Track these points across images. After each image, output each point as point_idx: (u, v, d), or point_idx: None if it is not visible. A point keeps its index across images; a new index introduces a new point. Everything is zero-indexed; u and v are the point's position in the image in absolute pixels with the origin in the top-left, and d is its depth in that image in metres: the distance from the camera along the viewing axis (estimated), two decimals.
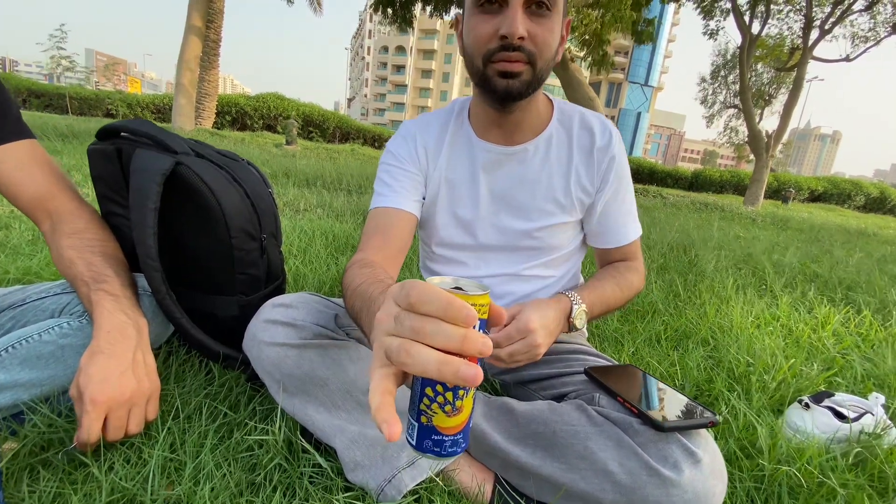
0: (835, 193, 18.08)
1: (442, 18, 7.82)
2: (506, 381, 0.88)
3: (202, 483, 0.62)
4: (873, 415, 0.89)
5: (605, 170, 0.81)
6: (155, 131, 0.82)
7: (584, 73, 8.10)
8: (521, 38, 0.65)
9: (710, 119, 18.60)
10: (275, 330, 0.68)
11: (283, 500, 0.64)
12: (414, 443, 0.36)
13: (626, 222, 0.85)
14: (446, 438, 0.35)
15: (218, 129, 12.95)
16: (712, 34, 10.55)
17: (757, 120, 9.72)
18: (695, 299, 1.80)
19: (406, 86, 67.22)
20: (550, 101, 0.83)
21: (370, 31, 70.02)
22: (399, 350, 0.31)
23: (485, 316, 0.36)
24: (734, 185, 17.60)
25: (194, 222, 0.81)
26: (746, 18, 9.21)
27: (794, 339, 1.44)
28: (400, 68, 67.74)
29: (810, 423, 0.88)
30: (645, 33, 7.62)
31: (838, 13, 8.85)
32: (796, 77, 9.24)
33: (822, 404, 0.91)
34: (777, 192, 15.68)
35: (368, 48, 71.51)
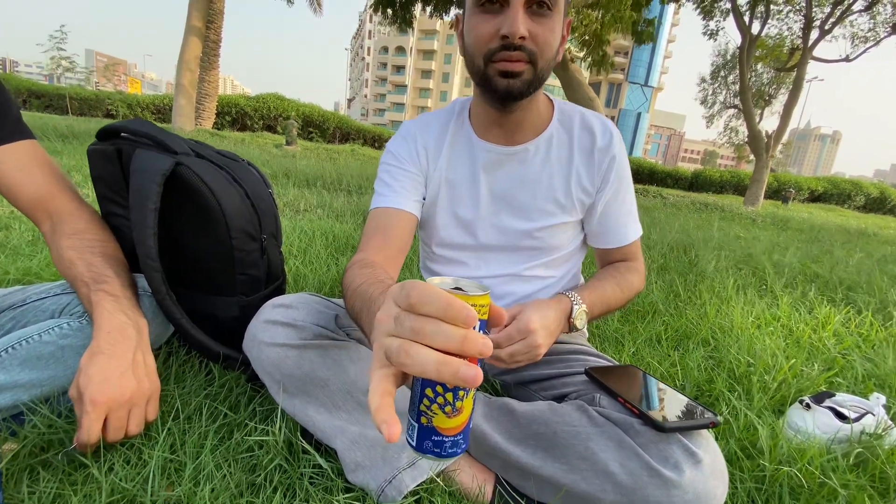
0: (835, 194, 18.07)
1: (442, 19, 7.82)
2: (506, 381, 0.88)
3: (202, 484, 0.62)
4: (874, 415, 0.89)
5: (605, 170, 0.80)
6: (155, 132, 0.81)
7: (583, 73, 8.10)
8: (523, 37, 0.65)
9: (710, 119, 18.61)
10: (275, 330, 0.67)
11: (284, 500, 0.64)
12: (414, 444, 0.36)
13: (626, 222, 0.85)
14: (446, 439, 0.35)
15: (218, 129, 12.95)
16: (712, 35, 10.55)
17: (757, 120, 9.73)
18: (695, 300, 1.80)
19: (406, 86, 67.26)
20: (551, 101, 0.83)
21: (370, 32, 70.06)
22: (399, 351, 0.31)
23: (485, 316, 0.36)
24: (734, 185, 17.60)
25: (194, 223, 0.81)
26: (746, 19, 9.21)
27: (794, 340, 1.44)
28: (400, 69, 67.78)
29: (811, 424, 0.88)
30: (645, 33, 7.62)
31: (838, 13, 8.85)
32: (796, 77, 9.24)
33: (822, 405, 0.91)
34: (777, 193, 15.68)
35: (368, 49, 71.54)
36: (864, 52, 9.64)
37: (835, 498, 0.72)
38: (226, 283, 0.85)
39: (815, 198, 17.95)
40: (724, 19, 10.28)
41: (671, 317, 1.56)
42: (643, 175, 18.03)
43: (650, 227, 3.76)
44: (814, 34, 9.08)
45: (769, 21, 9.62)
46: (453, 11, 7.46)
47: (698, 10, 10.02)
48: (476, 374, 0.29)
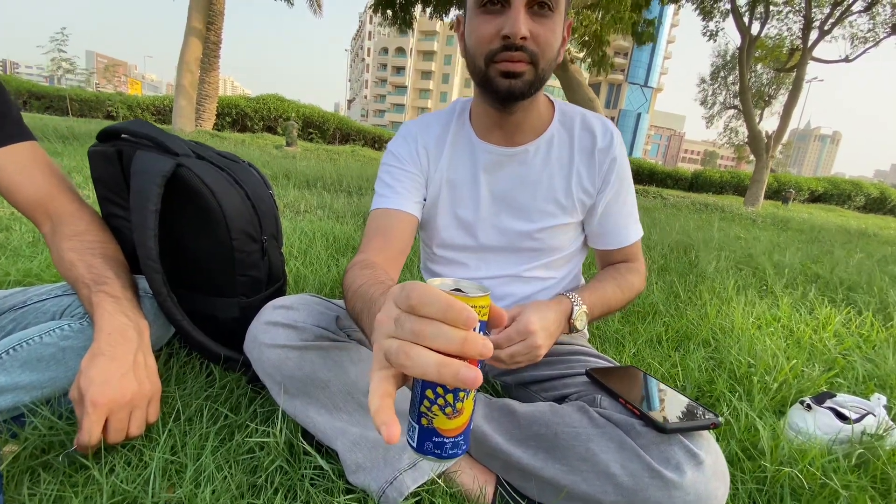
0: (835, 194, 18.07)
1: (442, 20, 7.82)
2: (507, 382, 0.88)
3: (203, 485, 0.62)
4: (875, 416, 0.89)
5: (606, 171, 0.80)
6: (155, 133, 0.82)
7: (583, 74, 8.11)
8: (524, 38, 0.65)
9: (709, 120, 18.61)
10: (276, 332, 0.67)
11: (285, 502, 0.63)
12: (415, 445, 0.36)
13: (626, 223, 0.85)
14: (447, 440, 0.35)
15: (218, 130, 12.96)
16: (712, 35, 10.55)
17: (757, 120, 9.73)
18: (696, 300, 1.80)
19: (406, 87, 67.31)
20: (551, 102, 0.83)
21: (370, 33, 70.12)
22: (398, 352, 0.31)
23: (485, 318, 0.36)
24: (734, 185, 17.59)
25: (195, 224, 0.81)
26: (746, 19, 9.22)
27: (795, 340, 1.44)
28: (400, 70, 67.84)
29: (812, 425, 0.88)
30: (645, 34, 7.62)
31: (837, 14, 8.86)
32: (796, 78, 9.24)
33: (823, 405, 0.91)
34: (777, 193, 15.67)
35: (368, 50, 71.60)
36: (863, 52, 9.65)
37: (836, 499, 0.72)
38: (226, 285, 0.85)
39: (815, 198, 17.94)
40: (724, 20, 10.29)
41: (672, 317, 1.56)
42: (643, 176, 18.03)
43: (650, 227, 3.76)
44: (813, 35, 9.08)
45: (769, 22, 9.63)
46: (453, 12, 7.46)
47: (698, 11, 10.02)
48: (476, 375, 0.29)
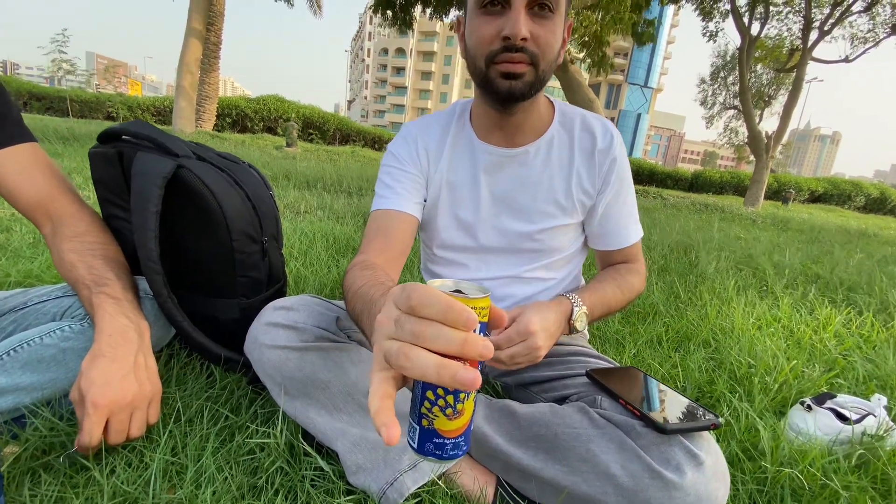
0: (835, 194, 18.06)
1: (441, 20, 7.83)
2: (507, 383, 0.88)
3: (204, 487, 0.62)
4: (875, 416, 0.89)
5: (606, 172, 0.81)
6: (156, 134, 0.82)
7: (583, 74, 8.11)
8: (524, 39, 0.65)
9: (709, 120, 18.61)
10: (276, 333, 0.68)
11: (285, 503, 0.63)
12: (415, 446, 0.36)
13: (627, 224, 0.85)
14: (448, 441, 0.35)
15: (218, 131, 12.97)
16: (711, 36, 10.56)
17: (757, 121, 9.73)
18: (696, 301, 1.80)
19: (406, 88, 67.35)
20: (551, 103, 0.83)
21: (370, 34, 70.17)
22: (398, 354, 0.31)
23: (485, 319, 0.36)
24: (734, 185, 17.60)
25: (196, 225, 0.81)
26: (745, 20, 9.22)
27: (795, 341, 1.44)
28: (400, 70, 67.87)
29: (812, 425, 0.88)
30: (645, 34, 7.62)
31: (837, 14, 8.86)
32: (796, 78, 9.24)
33: (824, 406, 0.91)
34: (777, 193, 15.67)
35: (368, 50, 71.65)
36: (863, 52, 9.65)
37: (836, 500, 0.72)
38: (227, 286, 0.85)
39: (815, 198, 17.94)
40: (724, 20, 10.29)
41: (672, 318, 1.56)
42: (643, 176, 18.03)
43: (650, 228, 3.76)
44: (813, 35, 9.09)
45: (768, 22, 9.64)
46: (453, 13, 7.47)
47: (697, 12, 10.03)
48: (475, 377, 0.30)
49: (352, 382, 0.67)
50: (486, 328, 0.37)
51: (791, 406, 1.00)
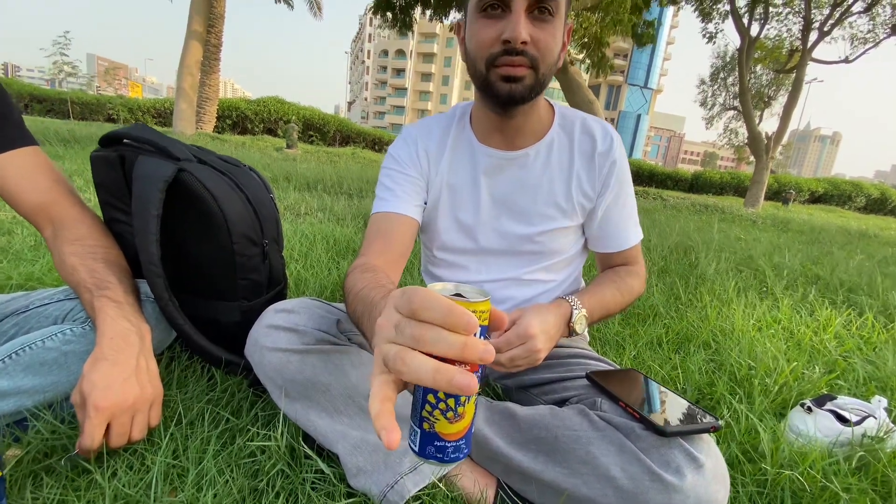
0: (835, 195, 18.07)
1: (441, 22, 7.84)
2: (507, 385, 0.88)
3: (205, 489, 0.63)
4: (876, 418, 0.89)
5: (606, 174, 0.81)
6: (157, 138, 0.82)
7: (583, 75, 8.12)
8: (524, 42, 0.65)
9: (709, 121, 18.62)
10: (277, 335, 0.68)
11: None
12: (416, 449, 0.36)
13: (626, 227, 0.86)
14: (449, 444, 0.36)
15: (219, 133, 12.99)
16: (711, 37, 10.57)
17: (756, 122, 9.75)
18: (696, 302, 1.80)
19: (406, 89, 67.42)
20: (552, 106, 0.83)
21: (370, 35, 70.28)
22: (395, 358, 0.31)
23: (485, 322, 0.37)
24: (734, 186, 17.60)
25: (197, 229, 0.81)
26: (745, 21, 9.23)
27: (795, 342, 1.44)
28: (400, 72, 67.95)
29: (813, 427, 0.88)
30: (645, 35, 7.63)
31: (837, 15, 8.87)
32: (795, 79, 9.25)
33: (824, 408, 0.91)
34: (777, 194, 15.67)
35: (368, 52, 71.75)
36: (863, 53, 9.66)
37: (836, 502, 0.72)
38: (227, 289, 0.86)
39: (815, 199, 17.94)
40: (723, 21, 10.30)
41: (672, 320, 1.56)
42: (643, 177, 18.04)
43: (650, 229, 3.76)
44: (813, 36, 9.10)
45: (768, 23, 9.65)
46: (453, 14, 7.48)
47: (697, 13, 10.04)
48: (471, 381, 0.30)
49: (352, 385, 0.67)
50: (487, 331, 0.37)
51: (791, 408, 1.00)
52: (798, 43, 9.85)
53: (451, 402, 0.34)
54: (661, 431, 0.58)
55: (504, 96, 0.69)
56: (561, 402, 0.74)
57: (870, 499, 0.74)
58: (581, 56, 7.91)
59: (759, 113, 14.49)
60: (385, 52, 67.94)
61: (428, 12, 7.61)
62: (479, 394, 0.36)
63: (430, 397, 0.34)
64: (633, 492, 0.57)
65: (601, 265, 0.92)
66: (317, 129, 16.58)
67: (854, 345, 1.45)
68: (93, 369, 0.62)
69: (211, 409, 0.79)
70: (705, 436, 0.61)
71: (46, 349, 0.67)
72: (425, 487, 0.65)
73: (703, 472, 0.56)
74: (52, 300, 0.79)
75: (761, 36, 9.72)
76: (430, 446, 0.36)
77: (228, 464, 0.68)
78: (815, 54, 9.34)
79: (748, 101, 9.45)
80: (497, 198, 0.83)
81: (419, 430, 0.36)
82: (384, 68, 69.04)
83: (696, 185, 18.25)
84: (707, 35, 10.58)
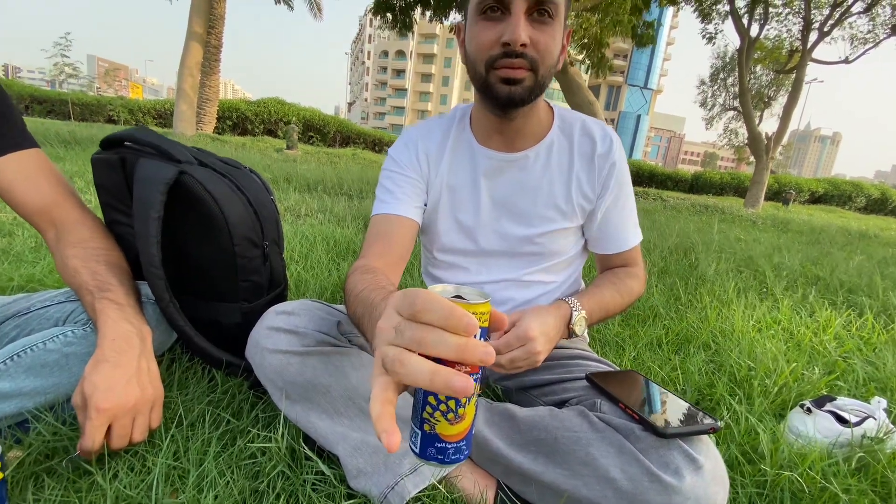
0: (836, 195, 18.07)
1: (441, 23, 7.85)
2: (508, 386, 0.88)
3: (206, 491, 0.63)
4: (875, 419, 0.89)
5: (605, 176, 0.81)
6: (158, 140, 0.82)
7: (583, 76, 8.12)
8: (524, 44, 0.65)
9: (709, 121, 18.64)
10: (277, 337, 0.68)
11: None
12: (417, 451, 0.36)
13: (626, 228, 0.86)
14: (449, 446, 0.36)
15: (219, 134, 13.00)
16: (710, 38, 10.57)
17: (756, 122, 9.76)
18: (696, 303, 1.80)
19: (406, 90, 67.47)
20: (551, 108, 0.83)
21: (370, 36, 70.35)
22: (394, 361, 0.32)
23: (486, 324, 0.37)
24: (734, 187, 17.62)
25: (198, 231, 0.81)
26: (745, 21, 9.24)
27: (795, 343, 1.44)
28: (400, 72, 68.01)
29: (812, 428, 0.88)
30: (645, 36, 7.64)
31: (837, 15, 8.88)
32: (795, 79, 9.26)
33: (823, 409, 0.91)
34: (777, 194, 15.68)
35: (368, 53, 71.81)
36: (863, 53, 9.67)
37: (836, 503, 0.73)
38: (228, 290, 0.86)
39: (815, 199, 17.95)
40: (723, 22, 10.31)
41: (672, 320, 1.57)
42: (643, 177, 18.05)
43: (650, 230, 3.76)
44: (813, 36, 9.11)
45: (768, 23, 9.66)
46: (453, 15, 7.49)
47: (697, 13, 10.05)
48: (467, 383, 0.30)
49: (353, 387, 0.67)
50: (487, 333, 0.37)
51: (791, 409, 1.00)
52: (798, 43, 9.86)
53: (451, 403, 0.34)
54: (660, 433, 0.58)
55: (504, 98, 0.70)
56: (561, 404, 0.75)
57: (869, 500, 0.74)
58: (581, 57, 7.92)
59: (759, 113, 14.50)
60: (385, 53, 68.00)
61: (428, 13, 7.62)
62: (479, 395, 0.36)
63: (431, 399, 0.35)
64: (633, 493, 0.57)
65: (601, 266, 0.93)
66: (317, 130, 16.60)
67: (854, 345, 1.45)
68: (94, 371, 0.62)
69: (212, 411, 0.79)
70: (704, 437, 0.61)
71: (48, 351, 0.67)
72: (425, 489, 0.65)
73: (702, 474, 0.57)
74: (54, 302, 0.79)
75: (761, 36, 9.73)
76: (430, 447, 0.36)
77: (229, 465, 0.69)
78: (815, 55, 9.35)
79: (748, 102, 9.45)
80: (497, 199, 0.83)
81: (420, 432, 0.36)
82: (384, 69, 69.10)
83: (696, 185, 18.26)
84: (707, 36, 10.58)
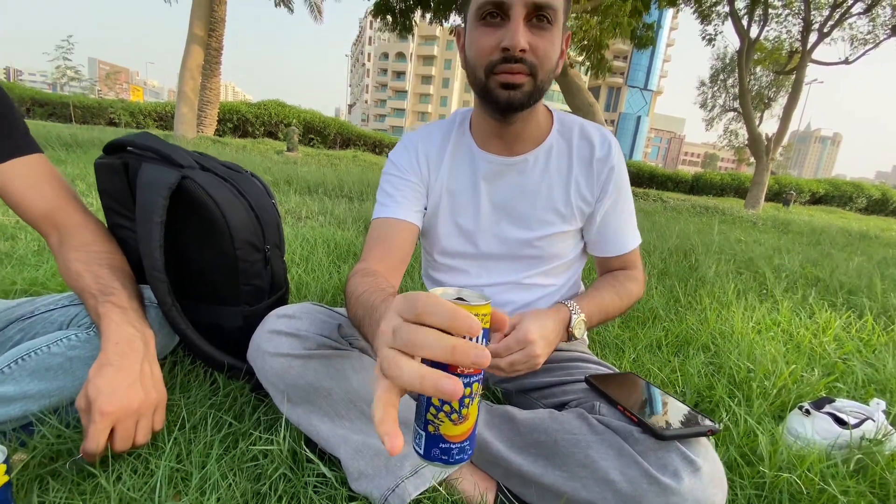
0: (836, 196, 18.07)
1: (441, 25, 7.88)
2: (508, 389, 0.89)
3: (208, 493, 0.63)
4: (874, 421, 0.89)
5: (604, 180, 0.82)
6: (160, 145, 0.83)
7: (583, 78, 8.14)
8: (523, 50, 0.66)
9: (709, 122, 18.65)
10: (279, 340, 0.69)
11: None
12: (422, 452, 0.37)
13: (625, 231, 0.86)
14: (453, 446, 0.36)
15: (220, 136, 13.03)
16: (710, 40, 10.58)
17: (757, 123, 9.77)
18: (695, 305, 1.81)
19: (406, 91, 67.55)
20: (550, 112, 0.84)
21: (370, 38, 70.47)
22: (390, 363, 0.32)
23: (487, 325, 0.37)
24: (735, 187, 17.62)
25: (199, 235, 0.82)
26: (744, 22, 9.26)
27: (794, 345, 1.45)
28: (400, 74, 68.10)
29: (811, 430, 0.88)
30: (645, 37, 7.66)
31: (836, 16, 8.90)
32: (795, 80, 9.28)
33: (822, 410, 0.91)
34: (778, 195, 15.68)
35: (369, 55, 71.92)
36: (863, 54, 9.69)
37: None
38: (230, 294, 0.87)
39: (816, 200, 17.95)
40: (723, 23, 10.33)
41: (671, 322, 1.57)
42: (643, 179, 18.06)
43: (650, 231, 3.77)
44: (812, 37, 9.12)
45: (767, 24, 9.67)
46: (452, 17, 7.51)
47: (696, 15, 10.06)
48: (455, 387, 0.30)
49: (354, 389, 0.68)
50: (489, 334, 0.38)
51: (790, 410, 1.00)
52: (798, 44, 9.87)
53: (455, 403, 0.35)
54: (659, 435, 0.59)
55: (503, 103, 0.70)
56: (560, 406, 0.75)
57: (867, 501, 0.74)
58: (581, 58, 7.94)
59: (759, 114, 14.50)
60: (385, 55, 68.10)
61: (428, 15, 7.64)
62: (480, 396, 0.37)
63: (435, 400, 0.35)
64: (632, 495, 0.58)
65: (600, 269, 0.93)
66: (317, 132, 16.63)
67: (853, 347, 1.45)
68: (98, 374, 0.63)
69: (214, 414, 0.80)
70: (703, 439, 0.61)
71: (52, 354, 0.68)
72: (426, 491, 0.65)
73: (701, 476, 0.57)
74: (57, 306, 0.80)
75: (761, 37, 9.74)
76: (435, 448, 0.36)
77: (231, 468, 0.69)
78: (814, 55, 9.37)
79: (748, 103, 9.46)
80: (497, 203, 0.84)
81: (424, 433, 0.36)
82: (384, 71, 69.19)
83: (696, 186, 18.27)
84: (706, 37, 10.60)
